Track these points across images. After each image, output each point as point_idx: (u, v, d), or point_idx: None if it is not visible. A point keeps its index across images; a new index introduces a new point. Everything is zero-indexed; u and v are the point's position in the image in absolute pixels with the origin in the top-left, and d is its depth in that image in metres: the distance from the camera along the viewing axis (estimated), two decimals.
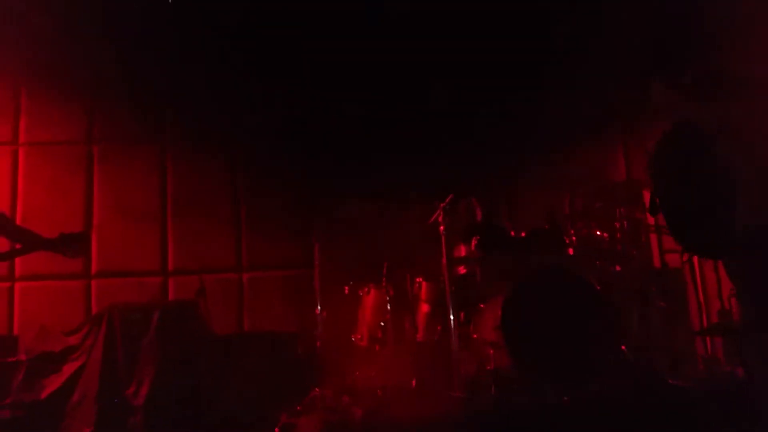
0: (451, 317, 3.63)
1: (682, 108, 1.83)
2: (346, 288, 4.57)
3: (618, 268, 4.02)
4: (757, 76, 1.65)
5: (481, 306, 3.96)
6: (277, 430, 2.89)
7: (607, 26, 4.62)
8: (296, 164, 5.27)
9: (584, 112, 4.97)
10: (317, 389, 3.63)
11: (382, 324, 4.11)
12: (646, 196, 4.42)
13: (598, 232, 4.14)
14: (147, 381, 3.53)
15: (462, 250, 4.34)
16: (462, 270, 4.22)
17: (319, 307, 4.46)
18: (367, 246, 4.95)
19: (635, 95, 4.26)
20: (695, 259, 3.76)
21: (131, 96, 5.15)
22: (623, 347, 3.52)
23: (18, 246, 3.15)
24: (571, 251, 4.03)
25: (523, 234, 4.15)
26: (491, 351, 3.60)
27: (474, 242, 4.20)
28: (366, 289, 4.46)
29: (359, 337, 4.28)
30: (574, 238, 4.08)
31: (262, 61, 5.22)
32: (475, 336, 3.86)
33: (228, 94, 5.27)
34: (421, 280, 4.34)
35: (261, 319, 5.00)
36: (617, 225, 4.12)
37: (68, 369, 3.70)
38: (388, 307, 4.15)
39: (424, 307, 4.24)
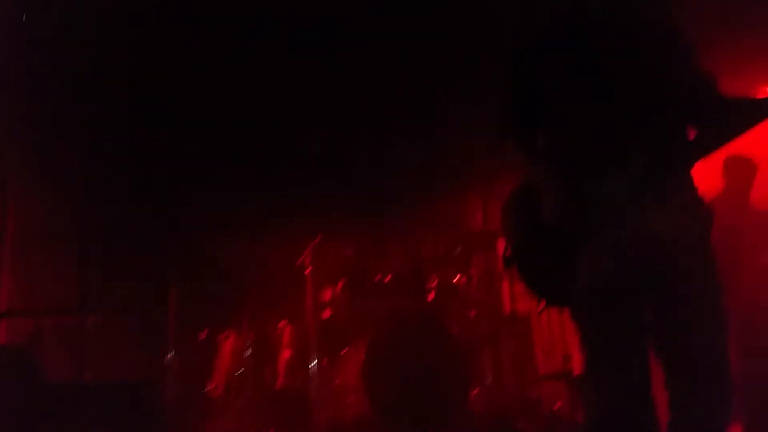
0: (314, 362, 3.57)
1: (532, 167, 1.98)
2: (203, 333, 4.34)
3: (473, 312, 4.20)
4: None
5: (344, 351, 3.93)
6: None
7: (470, 84, 4.89)
8: (153, 196, 4.95)
9: (447, 161, 5.20)
10: None
11: (241, 371, 3.94)
12: (500, 244, 4.70)
13: (457, 278, 4.31)
14: None
15: (328, 293, 4.31)
16: (327, 313, 4.18)
17: (170, 354, 4.18)
18: (228, 287, 4.75)
19: (493, 149, 4.54)
20: (542, 306, 4.01)
21: None
22: (475, 392, 3.66)
23: None
24: (432, 295, 4.15)
25: (387, 278, 4.22)
26: (352, 397, 3.57)
27: (340, 285, 4.20)
28: (225, 334, 4.26)
29: (214, 386, 4.06)
30: (435, 282, 4.20)
31: (112, 88, 4.85)
32: (337, 381, 3.81)
33: (75, 124, 4.84)
34: (284, 323, 4.24)
35: (105, 367, 4.57)
36: (474, 271, 4.32)
37: None
38: (248, 353, 4.00)
39: (286, 353, 4.13)
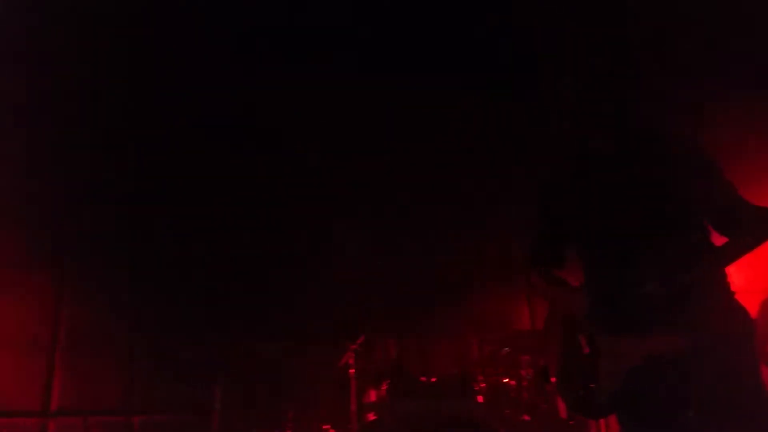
0: None
1: (556, 295, 2.08)
2: None
3: (526, 417, 4.02)
4: None
5: None
6: None
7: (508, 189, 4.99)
8: (198, 300, 5.03)
9: (493, 261, 5.21)
10: None
11: None
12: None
13: (506, 380, 4.18)
14: None
15: (372, 395, 4.22)
16: (371, 416, 4.08)
17: None
18: (271, 390, 4.70)
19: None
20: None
21: (27, 216, 4.66)
22: None
23: None
24: (480, 399, 4.02)
25: (433, 379, 4.12)
26: None
27: (384, 387, 4.12)
28: None
29: None
30: (483, 384, 4.09)
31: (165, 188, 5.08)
32: None
33: (132, 223, 5.04)
34: (328, 427, 4.14)
35: None
36: (523, 373, 4.19)
37: None
38: None
39: None
